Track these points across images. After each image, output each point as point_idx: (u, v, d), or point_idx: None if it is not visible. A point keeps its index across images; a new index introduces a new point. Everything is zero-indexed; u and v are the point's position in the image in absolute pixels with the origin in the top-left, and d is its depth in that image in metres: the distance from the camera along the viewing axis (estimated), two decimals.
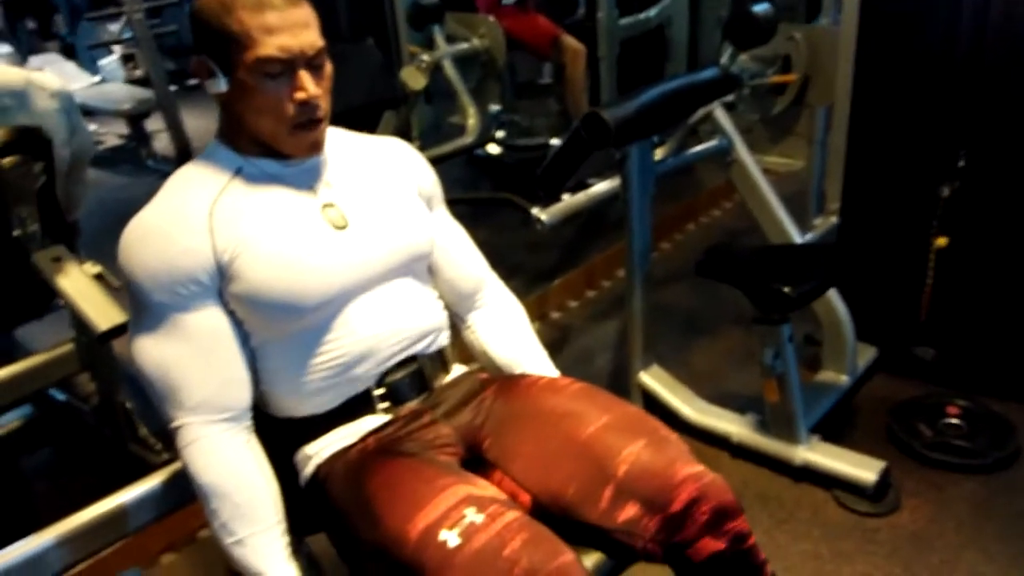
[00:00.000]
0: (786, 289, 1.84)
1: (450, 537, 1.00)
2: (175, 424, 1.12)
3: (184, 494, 1.89)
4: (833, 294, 2.26)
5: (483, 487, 1.10)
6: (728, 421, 2.15)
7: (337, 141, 1.27)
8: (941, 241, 2.19)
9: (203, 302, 1.12)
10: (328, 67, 1.15)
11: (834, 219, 2.51)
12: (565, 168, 1.97)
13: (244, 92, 1.10)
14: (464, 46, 3.44)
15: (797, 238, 2.30)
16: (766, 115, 2.64)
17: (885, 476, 1.92)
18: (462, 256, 1.40)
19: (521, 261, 3.13)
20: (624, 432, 1.16)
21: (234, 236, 1.11)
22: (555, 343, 2.71)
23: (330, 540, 1.21)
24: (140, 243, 1.11)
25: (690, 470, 1.11)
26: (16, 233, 2.03)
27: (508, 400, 1.27)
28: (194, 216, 1.11)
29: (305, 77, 1.10)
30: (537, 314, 2.80)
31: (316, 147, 1.18)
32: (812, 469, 1.98)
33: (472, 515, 1.02)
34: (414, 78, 2.99)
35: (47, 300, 2.20)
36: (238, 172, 1.16)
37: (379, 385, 1.23)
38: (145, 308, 1.12)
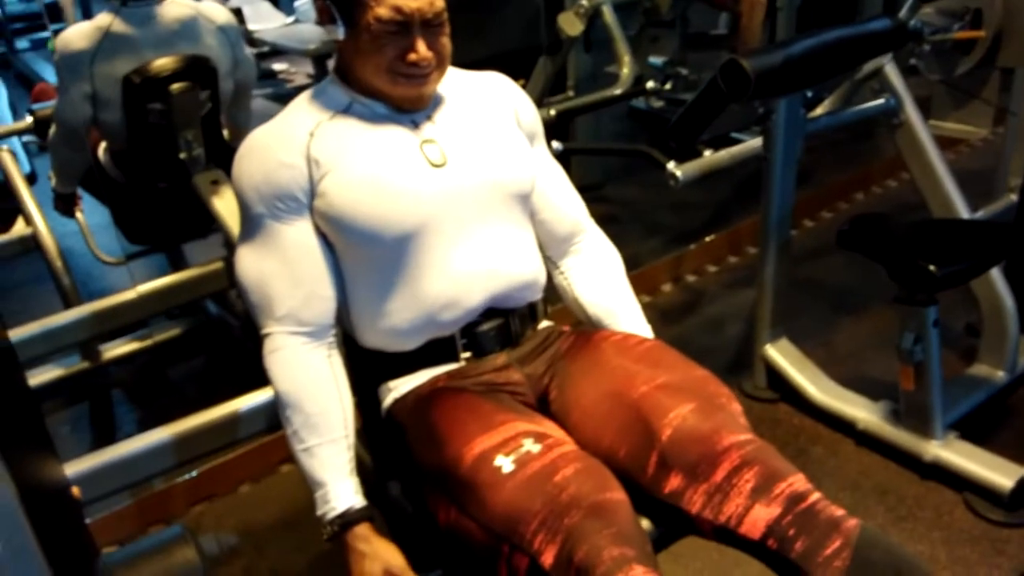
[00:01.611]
0: (931, 267, 1.68)
1: (505, 463, 1.02)
2: (263, 332, 1.17)
3: None
4: (998, 280, 2.03)
5: (545, 426, 1.10)
6: (856, 406, 2.00)
7: (442, 84, 1.26)
8: None
9: (296, 217, 1.16)
10: (447, 26, 1.15)
11: (1013, 196, 2.24)
12: (699, 120, 1.87)
13: (359, 44, 1.13)
14: None
15: (965, 214, 2.08)
16: (948, 75, 2.37)
17: None
18: (561, 197, 1.36)
19: (664, 220, 3.04)
20: (677, 393, 1.11)
21: (329, 156, 1.15)
22: (685, 306, 2.63)
23: (398, 478, 1.25)
24: (246, 157, 1.17)
25: (735, 438, 1.05)
26: (182, 155, 2.22)
27: (577, 354, 1.24)
28: (296, 136, 1.16)
29: (419, 40, 1.11)
30: (671, 275, 2.73)
31: (423, 100, 1.19)
32: (943, 467, 1.81)
33: (529, 445, 1.04)
34: (571, 23, 2.92)
35: (209, 221, 2.39)
36: (347, 109, 1.19)
37: (463, 334, 1.22)
38: (247, 219, 1.18)
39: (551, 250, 1.38)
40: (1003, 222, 2.20)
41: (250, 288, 1.18)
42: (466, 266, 1.19)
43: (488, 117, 1.26)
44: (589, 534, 0.94)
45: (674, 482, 1.06)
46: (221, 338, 2.59)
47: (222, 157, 2.31)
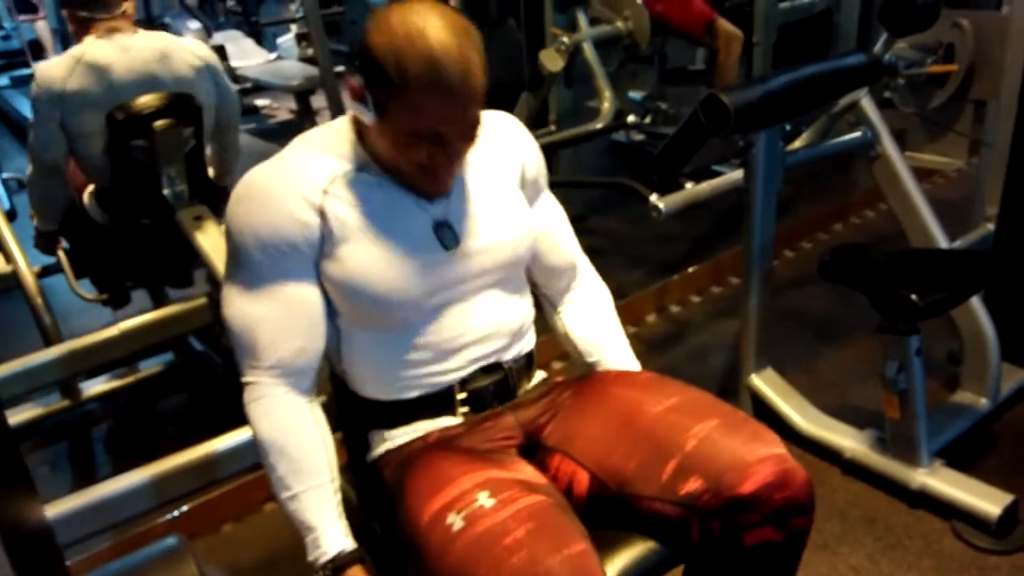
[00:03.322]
0: (913, 296, 1.69)
1: (455, 520, 0.99)
2: (246, 379, 1.14)
3: None
4: (978, 308, 2.05)
5: (514, 471, 1.08)
6: (842, 435, 2.00)
7: None
8: None
9: (297, 270, 1.11)
10: (478, 131, 1.11)
11: (990, 226, 2.27)
12: (681, 153, 1.90)
13: (388, 136, 1.08)
14: (606, 29, 3.38)
15: (943, 243, 2.11)
16: (922, 109, 2.42)
17: (1012, 511, 1.73)
18: (562, 242, 1.36)
19: (646, 252, 3.06)
20: (694, 412, 1.11)
21: (343, 220, 1.10)
22: (669, 337, 2.63)
23: (379, 524, 1.23)
24: (250, 200, 1.11)
25: (770, 450, 1.04)
26: (165, 192, 2.21)
27: (577, 393, 1.24)
28: (309, 188, 1.10)
29: (449, 152, 1.08)
30: (655, 306, 2.74)
31: (441, 192, 1.16)
32: (930, 495, 1.82)
33: (483, 499, 1.01)
34: (552, 60, 2.97)
35: (192, 257, 2.38)
36: (361, 167, 1.14)
37: (462, 389, 1.21)
38: (241, 263, 1.12)
39: (547, 289, 1.38)
40: (982, 251, 2.23)
41: (237, 332, 1.14)
42: (465, 327, 1.18)
43: (496, 180, 1.23)
44: None
45: (693, 485, 1.04)
46: (204, 375, 2.56)
47: (206, 193, 2.31)
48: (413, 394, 1.19)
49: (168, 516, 1.89)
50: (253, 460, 2.02)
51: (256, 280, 1.12)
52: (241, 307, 1.13)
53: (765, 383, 2.15)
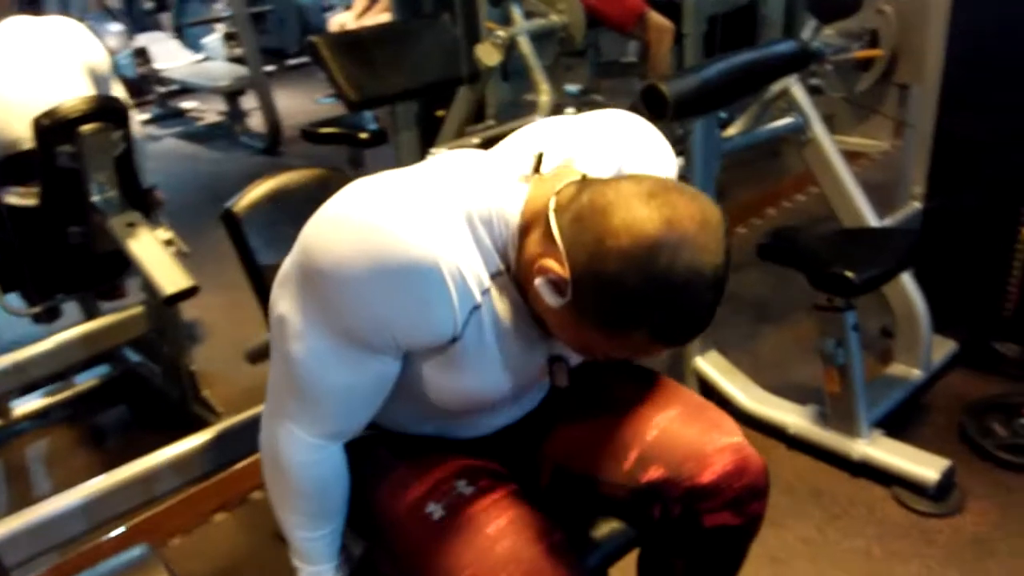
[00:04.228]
0: (848, 273, 1.75)
1: (435, 509, 0.99)
2: (297, 433, 1.00)
3: (234, 452, 1.98)
4: (908, 283, 2.13)
5: (483, 458, 1.08)
6: (786, 411, 2.06)
7: None
8: None
9: (394, 354, 0.95)
10: None
11: (917, 204, 2.36)
12: None
13: (561, 325, 0.91)
14: (541, 22, 3.39)
15: (873, 223, 2.18)
16: (850, 93, 2.50)
17: (949, 475, 1.80)
18: None
19: None
20: (654, 401, 1.12)
21: (478, 340, 0.94)
22: None
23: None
24: (398, 280, 0.86)
25: (728, 440, 1.05)
26: (95, 199, 2.14)
27: None
28: (463, 299, 0.90)
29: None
30: None
31: None
32: (871, 465, 1.88)
33: (462, 487, 1.01)
34: (488, 54, 2.96)
35: (122, 265, 2.31)
36: (505, 276, 0.94)
37: None
38: (331, 326, 0.91)
39: None
40: (911, 229, 2.32)
41: (306, 387, 0.96)
42: (503, 420, 1.14)
43: None
44: None
45: (655, 473, 1.04)
46: (142, 387, 2.49)
47: (138, 200, 2.24)
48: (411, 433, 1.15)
49: (114, 532, 1.83)
50: (200, 470, 1.98)
51: (349, 350, 0.93)
52: (320, 369, 0.94)
53: (710, 365, 2.19)
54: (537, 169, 0.94)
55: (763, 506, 1.09)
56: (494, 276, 0.92)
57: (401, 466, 1.08)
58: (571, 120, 1.04)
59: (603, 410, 1.13)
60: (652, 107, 1.76)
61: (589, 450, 1.11)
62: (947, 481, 1.80)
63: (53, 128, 2.02)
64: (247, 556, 1.10)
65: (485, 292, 0.92)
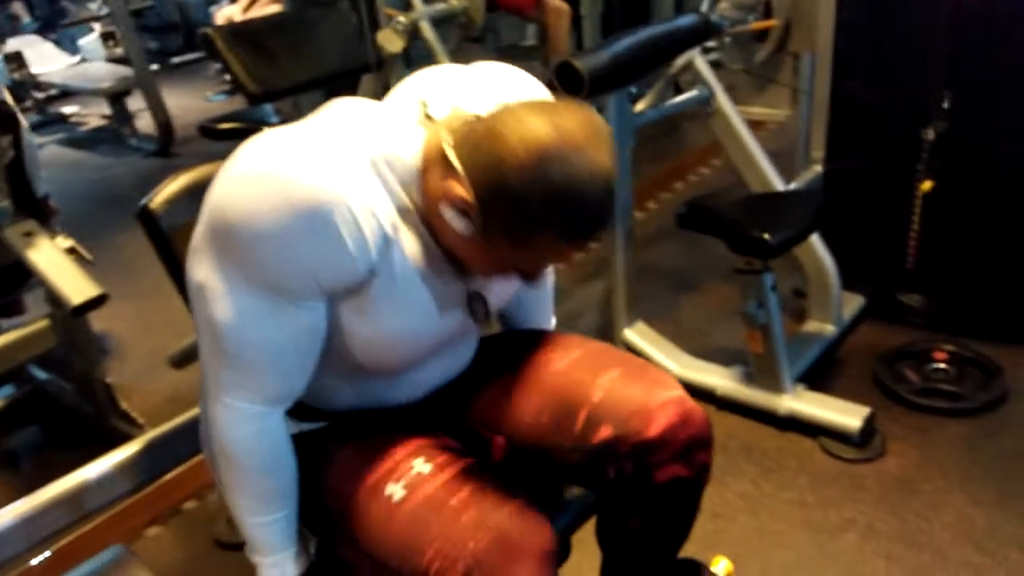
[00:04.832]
0: (765, 236, 1.81)
1: (396, 490, 0.98)
2: (234, 403, 0.99)
3: (162, 463, 1.91)
4: (817, 244, 2.23)
5: (438, 437, 1.08)
6: (713, 374, 2.13)
7: None
8: (926, 185, 2.16)
9: (319, 301, 0.95)
10: None
11: (819, 168, 2.47)
12: None
13: (473, 248, 0.94)
14: (441, 7, 3.36)
15: (780, 187, 2.27)
16: (748, 64, 2.59)
17: (870, 422, 1.90)
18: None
19: None
20: (595, 364, 1.14)
21: (393, 278, 0.95)
22: None
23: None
24: (303, 218, 0.87)
25: (670, 394, 1.08)
26: None
27: (479, 359, 1.23)
28: (374, 232, 0.91)
29: (538, 277, 1.02)
30: None
31: None
32: (797, 418, 1.97)
33: (420, 465, 1.00)
34: (391, 41, 2.92)
35: (20, 279, 2.18)
36: (413, 213, 0.96)
37: None
38: (251, 280, 0.91)
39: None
40: (816, 191, 2.42)
41: (232, 351, 0.95)
42: (432, 372, 1.14)
43: None
44: (499, 567, 0.92)
45: (604, 432, 1.06)
46: (51, 405, 2.35)
47: (31, 208, 2.11)
48: (349, 408, 1.15)
49: (42, 556, 1.73)
50: (127, 486, 1.90)
51: (272, 302, 0.92)
52: (246, 328, 0.93)
53: (638, 335, 2.24)
54: (427, 114, 0.98)
55: (709, 456, 1.13)
56: (402, 213, 0.95)
57: (353, 454, 1.07)
58: (456, 69, 1.08)
59: (546, 380, 1.14)
60: (566, 84, 1.77)
61: (537, 421, 1.12)
62: (869, 428, 1.90)
63: None
64: (189, 567, 1.06)
65: (395, 228, 0.94)
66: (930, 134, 2.11)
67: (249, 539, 1.06)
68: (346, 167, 0.90)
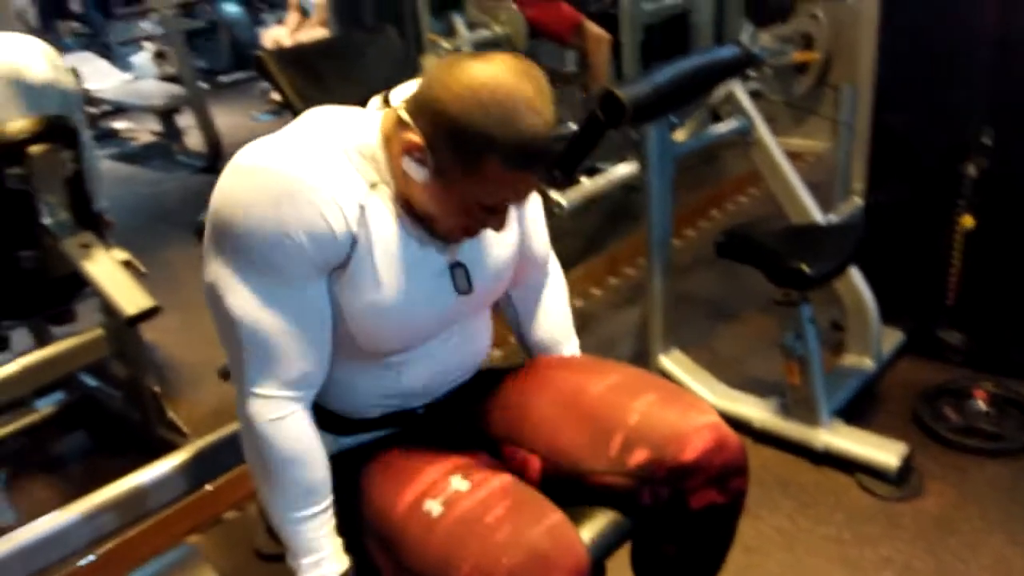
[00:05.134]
0: (803, 267, 1.82)
1: (434, 506, 1.01)
2: (257, 391, 1.04)
3: (206, 472, 1.95)
4: (856, 277, 2.23)
5: (475, 456, 1.11)
6: (749, 405, 2.13)
7: None
8: (967, 221, 2.15)
9: (316, 276, 1.03)
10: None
11: (859, 200, 2.47)
12: (580, 149, 1.96)
13: (434, 196, 1.02)
14: (484, 33, 3.44)
15: (819, 219, 2.27)
16: (788, 95, 2.60)
17: (908, 460, 1.89)
18: (541, 257, 1.34)
19: None
20: (631, 389, 1.16)
21: (372, 246, 1.03)
22: (577, 329, 2.68)
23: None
24: (280, 191, 0.98)
25: (706, 419, 1.11)
26: (46, 221, 2.08)
27: (518, 382, 1.27)
28: (348, 198, 1.01)
29: (501, 217, 1.06)
30: None
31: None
32: (833, 453, 1.96)
33: (457, 483, 1.03)
34: None
35: (75, 288, 2.25)
36: (383, 190, 1.05)
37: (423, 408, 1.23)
38: (257, 262, 1.00)
39: (516, 296, 1.37)
40: (856, 223, 2.42)
41: (253, 340, 1.02)
42: (444, 360, 1.19)
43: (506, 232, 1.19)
44: None
45: (640, 456, 1.09)
46: (100, 412, 2.42)
47: (89, 221, 2.19)
48: (377, 413, 1.19)
49: (85, 560, 1.78)
50: (172, 493, 1.94)
51: (276, 283, 1.01)
52: (253, 311, 1.02)
53: (674, 363, 2.25)
54: (385, 100, 1.09)
55: (745, 482, 1.14)
56: (375, 190, 1.04)
57: (393, 472, 1.10)
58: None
59: (583, 404, 1.17)
60: (609, 113, 1.81)
61: (573, 443, 1.15)
62: (907, 466, 1.89)
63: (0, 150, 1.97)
64: None
65: (370, 203, 1.03)
66: (971, 170, 2.11)
67: (286, 541, 1.09)
68: (321, 157, 1.01)
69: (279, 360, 1.04)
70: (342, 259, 1.02)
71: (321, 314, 1.05)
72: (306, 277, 1.02)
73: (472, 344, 1.24)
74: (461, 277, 1.13)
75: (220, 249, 1.02)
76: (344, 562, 1.09)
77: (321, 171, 1.00)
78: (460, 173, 0.99)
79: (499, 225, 1.06)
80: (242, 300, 1.02)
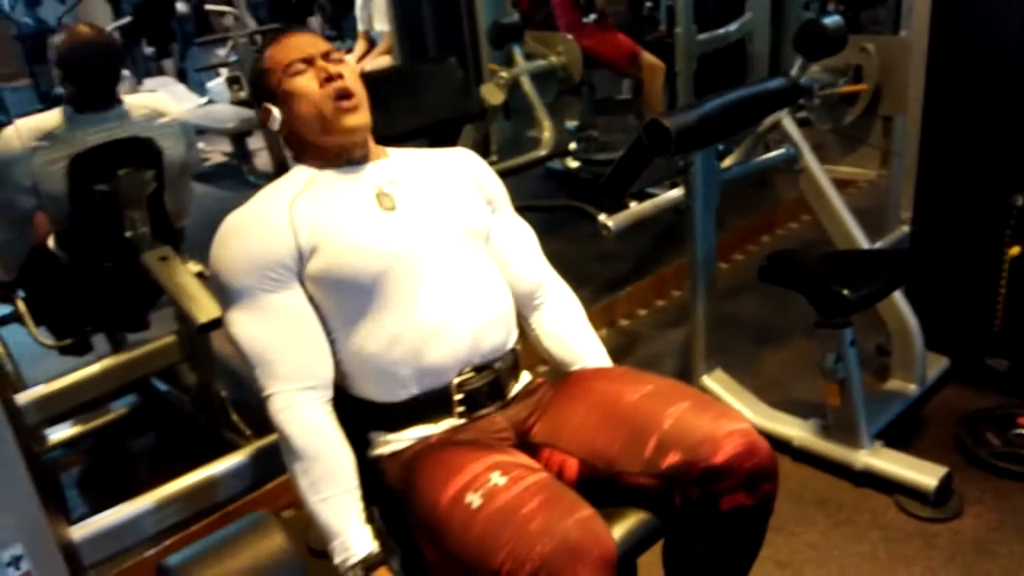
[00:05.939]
0: (845, 291, 1.86)
1: (474, 499, 1.10)
2: (269, 392, 1.24)
3: (267, 470, 2.06)
4: (902, 302, 2.25)
5: (515, 456, 1.19)
6: (790, 425, 2.17)
7: (403, 157, 1.41)
8: (1015, 250, 2.16)
9: (287, 285, 1.26)
10: (348, 64, 1.35)
11: (906, 228, 2.49)
12: (628, 174, 2.04)
13: (291, 108, 1.32)
14: (542, 63, 3.56)
15: (865, 245, 2.30)
16: (837, 125, 2.65)
17: (947, 482, 1.90)
18: (522, 255, 1.47)
19: (592, 271, 3.20)
20: (666, 397, 1.25)
21: (309, 220, 1.26)
22: (622, 348, 2.77)
23: (381, 517, 1.33)
24: (231, 237, 1.27)
25: (736, 425, 1.18)
26: (128, 234, 2.25)
27: (559, 390, 1.36)
28: (277, 209, 1.28)
29: (323, 63, 1.31)
30: (605, 321, 2.87)
31: (363, 131, 1.34)
32: (873, 474, 1.98)
33: (496, 478, 1.12)
34: (493, 94, 3.12)
35: (152, 298, 2.41)
36: (311, 179, 1.33)
37: (458, 390, 1.30)
38: (237, 292, 1.26)
39: (518, 306, 1.47)
40: (900, 250, 2.45)
41: (251, 352, 1.25)
42: (440, 303, 1.28)
43: (445, 179, 1.39)
44: (563, 570, 1.01)
45: (673, 458, 1.17)
46: (170, 414, 2.58)
47: (167, 235, 2.36)
48: (410, 392, 1.28)
49: (148, 553, 1.91)
50: (232, 491, 2.06)
51: (254, 302, 1.25)
52: (247, 329, 1.26)
53: (716, 383, 2.30)
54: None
55: (774, 488, 1.20)
56: (308, 182, 1.32)
57: (439, 469, 1.19)
58: None
59: (619, 409, 1.26)
60: (655, 141, 1.89)
61: (609, 446, 1.23)
62: (946, 487, 1.90)
63: (90, 168, 2.15)
64: None
65: (303, 193, 1.30)
66: (1020, 200, 2.13)
67: (316, 525, 1.20)
68: (256, 197, 1.32)
69: (278, 360, 1.24)
70: (295, 251, 1.25)
71: (302, 313, 1.26)
72: (281, 285, 1.25)
73: (467, 292, 1.31)
74: (385, 199, 1.32)
75: (219, 288, 1.29)
76: (369, 546, 1.19)
77: (250, 205, 1.30)
78: (270, 83, 1.33)
79: (337, 74, 1.30)
80: (238, 327, 1.26)
